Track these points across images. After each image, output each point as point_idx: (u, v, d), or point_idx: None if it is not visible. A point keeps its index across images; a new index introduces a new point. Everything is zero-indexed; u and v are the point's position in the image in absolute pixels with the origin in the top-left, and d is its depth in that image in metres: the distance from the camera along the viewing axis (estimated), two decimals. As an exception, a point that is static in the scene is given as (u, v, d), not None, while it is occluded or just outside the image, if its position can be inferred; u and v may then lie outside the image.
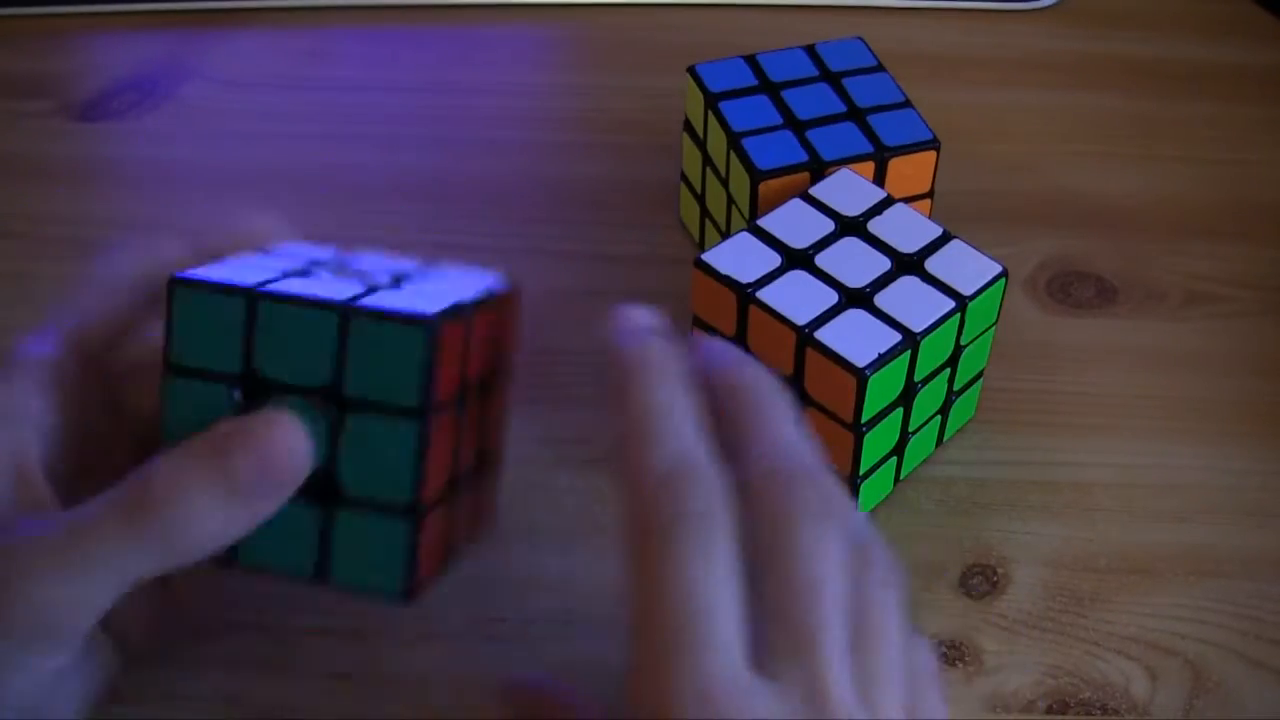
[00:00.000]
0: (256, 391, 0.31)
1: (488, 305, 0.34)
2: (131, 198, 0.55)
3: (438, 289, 0.33)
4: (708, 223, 0.50)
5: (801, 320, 0.40)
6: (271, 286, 0.32)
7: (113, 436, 0.35)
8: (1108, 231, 0.54)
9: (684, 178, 0.52)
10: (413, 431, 0.31)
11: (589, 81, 0.61)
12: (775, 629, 0.28)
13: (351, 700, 0.38)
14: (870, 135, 0.46)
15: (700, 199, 0.51)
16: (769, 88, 0.48)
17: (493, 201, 0.54)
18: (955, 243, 0.42)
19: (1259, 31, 0.64)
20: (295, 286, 0.32)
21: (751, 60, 0.49)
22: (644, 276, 0.51)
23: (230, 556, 0.32)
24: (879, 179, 0.46)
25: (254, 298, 0.31)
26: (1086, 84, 0.61)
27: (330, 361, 0.31)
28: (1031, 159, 0.57)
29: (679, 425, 0.30)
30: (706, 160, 0.49)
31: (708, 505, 0.29)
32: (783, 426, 0.31)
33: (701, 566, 0.28)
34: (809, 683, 0.28)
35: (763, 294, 0.40)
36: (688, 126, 0.50)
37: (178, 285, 0.32)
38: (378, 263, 0.36)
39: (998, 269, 0.42)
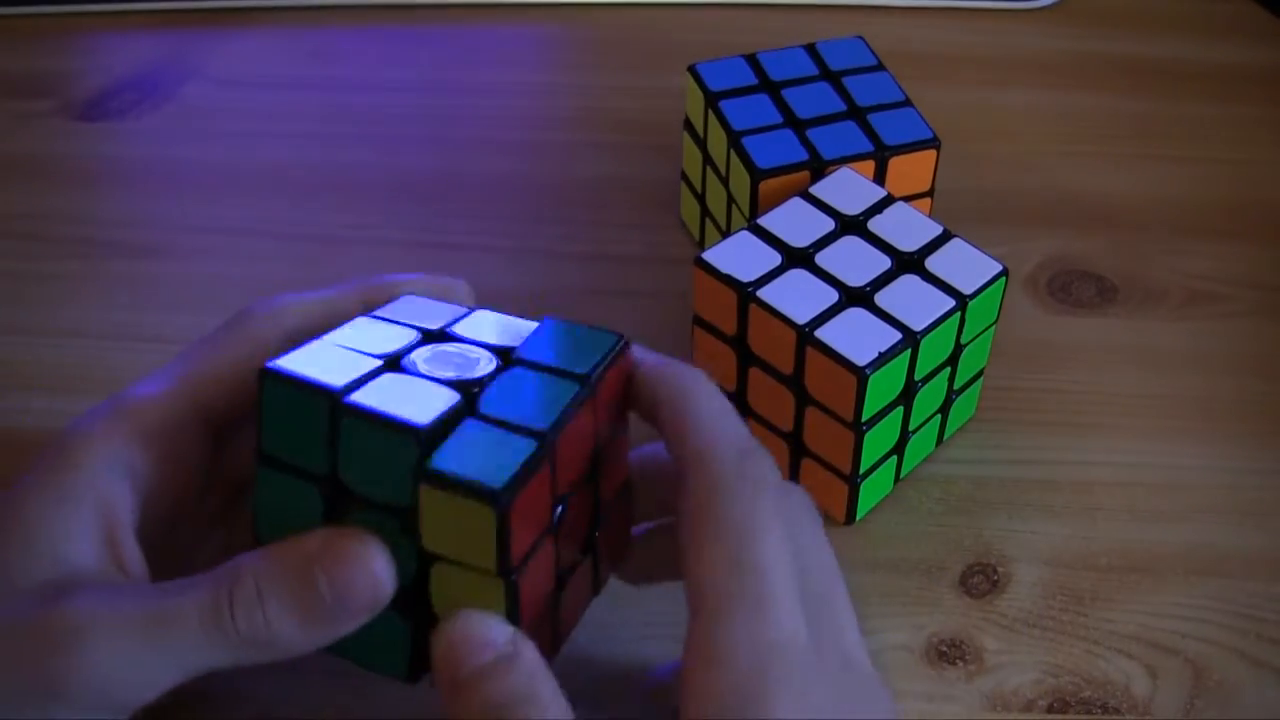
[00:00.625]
0: (341, 495, 0.31)
1: (595, 386, 0.32)
2: (131, 198, 0.55)
3: (535, 386, 0.31)
4: (708, 222, 0.50)
5: (802, 319, 0.40)
6: (359, 394, 0.30)
7: (209, 493, 0.35)
8: (1108, 231, 0.54)
9: (684, 177, 0.52)
10: (501, 586, 0.30)
11: (589, 81, 0.61)
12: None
13: (352, 700, 0.38)
14: (870, 134, 0.46)
15: (700, 198, 0.51)
16: (769, 87, 0.48)
17: (493, 201, 0.54)
18: (955, 241, 0.42)
19: (1259, 31, 0.64)
20: (385, 389, 0.30)
21: (752, 59, 0.49)
22: (644, 276, 0.51)
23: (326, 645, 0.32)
24: (879, 178, 0.46)
25: (337, 406, 0.30)
26: (1086, 84, 0.61)
27: (412, 485, 0.29)
28: (1031, 159, 0.57)
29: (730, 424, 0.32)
30: (707, 159, 0.49)
31: (779, 478, 0.32)
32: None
33: (779, 530, 0.30)
34: (836, 639, 0.31)
35: (763, 293, 0.40)
36: (688, 126, 0.50)
37: (267, 376, 0.31)
38: (483, 326, 0.34)
39: (998, 268, 0.42)
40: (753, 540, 0.30)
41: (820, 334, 0.39)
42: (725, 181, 0.48)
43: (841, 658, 0.31)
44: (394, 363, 0.32)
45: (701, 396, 0.32)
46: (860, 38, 0.50)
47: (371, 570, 0.30)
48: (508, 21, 0.64)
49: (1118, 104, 0.60)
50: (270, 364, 0.31)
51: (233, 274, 0.51)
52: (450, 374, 0.31)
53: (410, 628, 0.31)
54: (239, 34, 0.63)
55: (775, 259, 0.42)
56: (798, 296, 0.40)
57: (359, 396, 0.30)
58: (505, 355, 0.32)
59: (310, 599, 0.30)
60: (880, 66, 0.49)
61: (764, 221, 0.43)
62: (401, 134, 0.58)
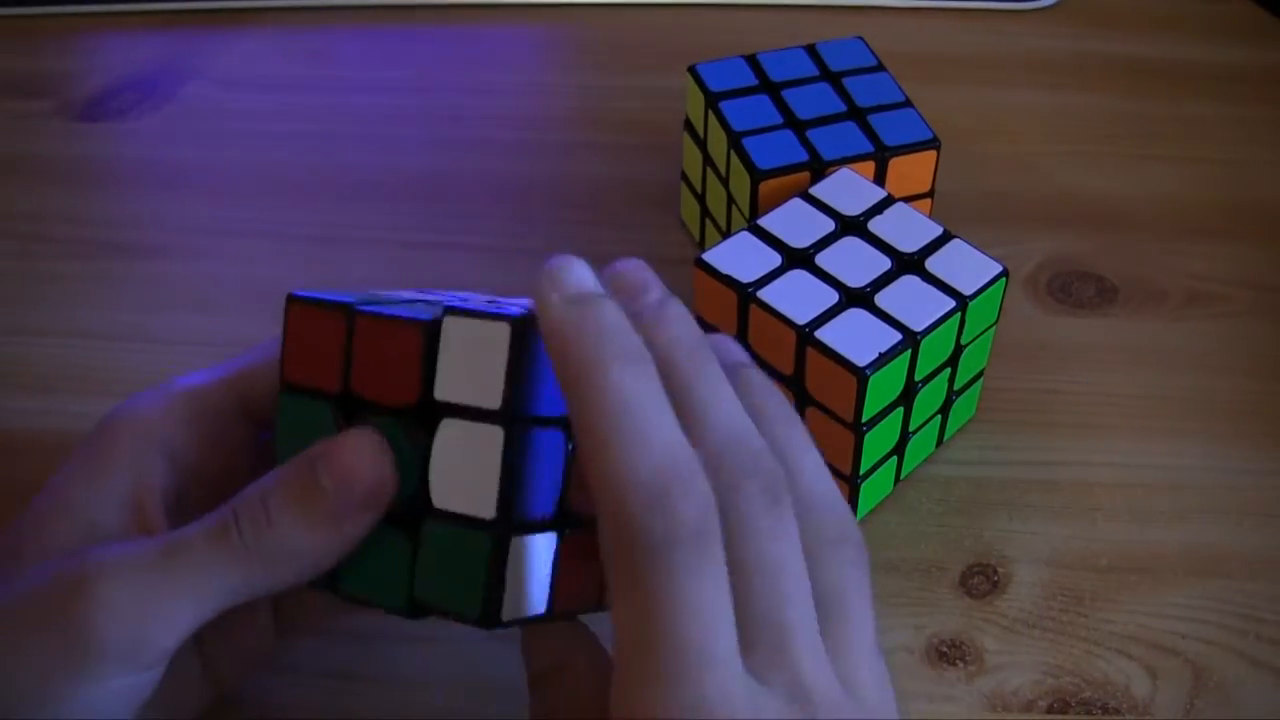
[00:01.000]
0: (356, 410, 0.31)
1: None
2: (131, 198, 0.55)
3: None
4: (708, 222, 0.50)
5: (802, 320, 0.40)
6: (375, 305, 0.31)
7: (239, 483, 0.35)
8: (1108, 231, 0.54)
9: (684, 177, 0.52)
10: (500, 436, 0.29)
11: (589, 81, 0.61)
12: (751, 631, 0.27)
13: (351, 700, 0.38)
14: (870, 135, 0.46)
15: (700, 199, 0.51)
16: (769, 87, 0.48)
17: (492, 202, 0.54)
18: (955, 242, 0.42)
19: (1259, 31, 0.64)
20: (395, 307, 0.31)
21: (752, 60, 0.49)
22: (644, 276, 0.51)
23: (333, 583, 0.32)
24: (879, 178, 0.46)
25: (352, 313, 0.31)
26: (1086, 84, 0.61)
27: (418, 376, 0.30)
28: (1031, 159, 0.57)
29: (657, 421, 0.27)
30: (707, 160, 0.49)
31: (702, 521, 0.26)
32: (722, 402, 0.29)
33: (698, 586, 0.26)
34: (793, 683, 0.27)
35: (763, 293, 0.40)
36: (688, 126, 0.50)
37: (292, 301, 0.32)
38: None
39: (998, 268, 0.42)
40: (660, 603, 0.26)
41: (820, 335, 0.39)
42: (725, 182, 0.48)
43: (803, 703, 0.27)
44: (412, 302, 0.32)
45: (610, 419, 0.27)
46: (860, 38, 0.50)
47: (370, 456, 0.30)
48: (508, 21, 0.64)
49: (1117, 104, 0.60)
50: (296, 291, 0.32)
51: (233, 274, 0.51)
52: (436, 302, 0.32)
53: (412, 550, 0.31)
54: (239, 34, 0.63)
55: (775, 260, 0.42)
56: (798, 297, 0.40)
57: (371, 306, 0.31)
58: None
59: (313, 495, 0.30)
60: (880, 67, 0.49)
61: (764, 222, 0.43)
62: (401, 134, 0.58)
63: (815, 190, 0.44)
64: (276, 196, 0.55)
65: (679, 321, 0.29)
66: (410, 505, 0.31)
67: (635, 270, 0.30)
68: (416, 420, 0.30)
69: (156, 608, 0.30)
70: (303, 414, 0.32)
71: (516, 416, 0.29)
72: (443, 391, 0.30)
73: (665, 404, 0.27)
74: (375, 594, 0.31)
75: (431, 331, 0.30)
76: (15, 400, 0.46)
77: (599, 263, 0.52)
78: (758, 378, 0.31)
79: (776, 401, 0.31)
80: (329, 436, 0.31)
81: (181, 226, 0.53)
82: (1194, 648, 0.40)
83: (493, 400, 0.29)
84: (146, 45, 0.62)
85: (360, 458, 0.30)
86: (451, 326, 0.30)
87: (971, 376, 0.44)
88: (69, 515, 0.32)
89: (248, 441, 0.35)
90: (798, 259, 0.42)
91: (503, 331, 0.29)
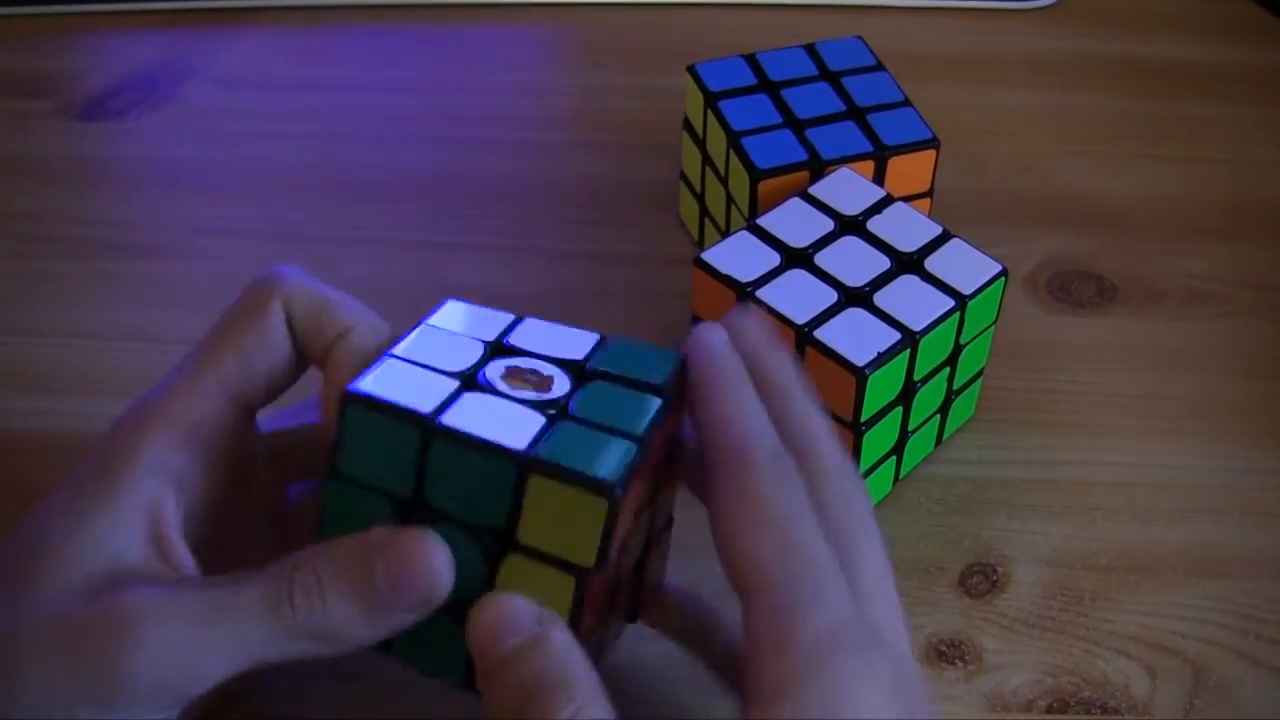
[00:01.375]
0: (419, 511, 0.31)
1: (670, 399, 0.32)
2: (131, 198, 0.55)
3: (617, 399, 0.32)
4: (707, 222, 0.50)
5: (801, 319, 0.40)
6: (448, 415, 0.30)
7: (251, 493, 0.35)
8: (1108, 231, 0.54)
9: (684, 177, 0.52)
10: (572, 585, 0.30)
11: (589, 81, 0.61)
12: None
13: (351, 700, 0.38)
14: (870, 134, 0.46)
15: (700, 198, 0.51)
16: (768, 87, 0.48)
17: (493, 201, 0.54)
18: (955, 241, 0.42)
19: (1259, 31, 0.64)
20: (472, 412, 0.30)
21: (751, 59, 0.49)
22: (644, 276, 0.51)
23: (386, 647, 0.32)
24: (879, 178, 0.46)
25: (429, 431, 0.30)
26: (1086, 84, 0.61)
27: (505, 507, 0.30)
28: (1031, 159, 0.57)
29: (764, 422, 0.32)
30: (706, 159, 0.49)
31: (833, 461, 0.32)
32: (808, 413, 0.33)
33: (814, 526, 0.30)
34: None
35: (762, 293, 0.40)
36: (687, 126, 0.50)
37: (351, 400, 0.30)
38: (546, 339, 0.33)
39: (997, 268, 0.42)
40: (797, 525, 0.30)
41: (819, 334, 0.39)
42: (724, 181, 0.48)
43: (891, 644, 0.31)
44: (471, 380, 0.32)
45: (739, 390, 0.32)
46: (860, 38, 0.50)
47: (429, 563, 0.30)
48: (508, 21, 0.64)
49: (1117, 104, 0.60)
50: (353, 388, 0.30)
51: (233, 274, 0.50)
52: (530, 393, 0.31)
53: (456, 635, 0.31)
54: (239, 34, 0.63)
55: (774, 259, 0.42)
56: (797, 296, 0.40)
57: (449, 419, 0.30)
58: (573, 368, 0.33)
59: (367, 586, 0.30)
60: (880, 66, 0.49)
61: (763, 221, 0.43)
62: (401, 134, 0.58)
63: (814, 190, 0.44)
64: (276, 196, 0.55)
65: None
66: (466, 604, 0.31)
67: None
68: (495, 539, 0.30)
69: (194, 659, 0.30)
70: (357, 504, 0.31)
71: (598, 570, 0.30)
72: (526, 536, 0.30)
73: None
74: (429, 663, 0.32)
75: (523, 468, 0.29)
76: (14, 400, 0.46)
77: (600, 262, 0.51)
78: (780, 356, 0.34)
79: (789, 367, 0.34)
80: (384, 527, 0.31)
81: (181, 226, 0.53)
82: (1194, 647, 0.40)
83: (579, 558, 0.30)
84: (146, 45, 0.62)
85: (420, 562, 0.30)
86: (542, 485, 0.29)
87: (971, 376, 0.44)
88: (86, 543, 0.32)
89: (247, 439, 0.35)
90: (797, 258, 0.42)
91: (600, 506, 0.29)
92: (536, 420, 0.31)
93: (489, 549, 0.31)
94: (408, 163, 0.56)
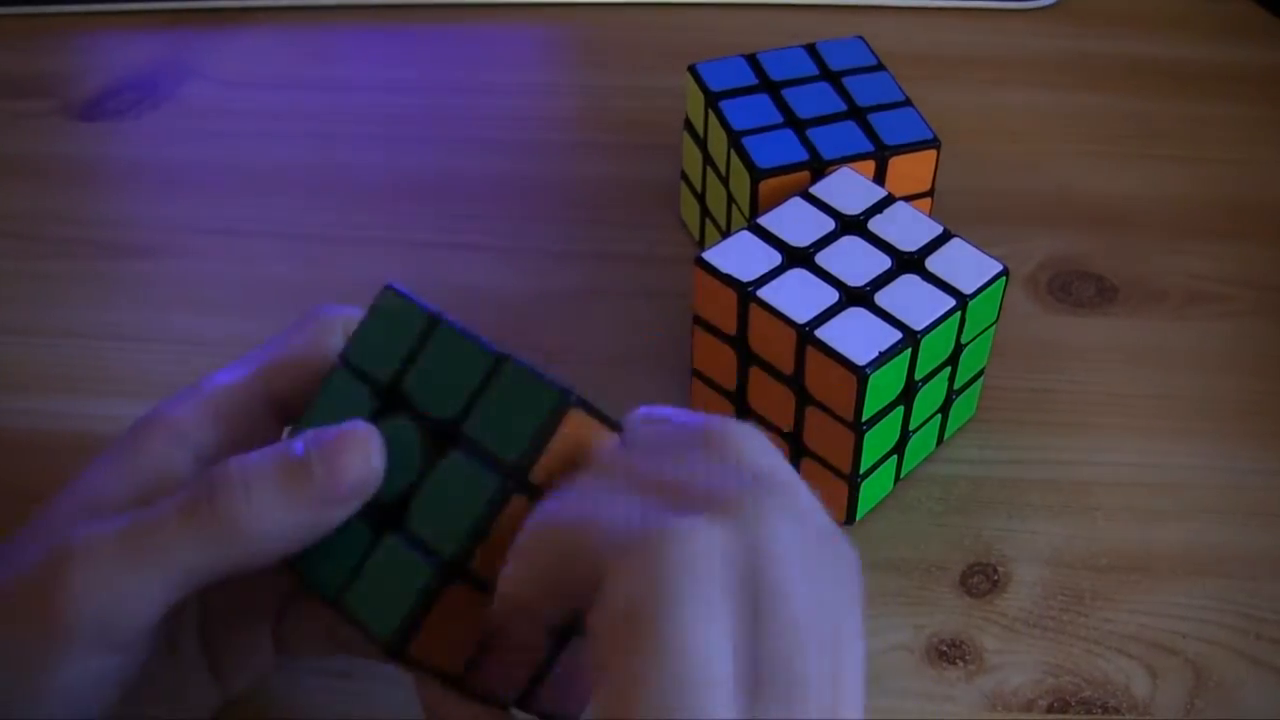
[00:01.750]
0: (394, 405, 0.32)
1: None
2: (131, 198, 0.55)
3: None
4: (708, 222, 0.50)
5: (802, 319, 0.40)
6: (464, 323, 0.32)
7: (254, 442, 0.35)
8: (1108, 231, 0.54)
9: (684, 177, 0.52)
10: (493, 485, 0.30)
11: (589, 81, 0.61)
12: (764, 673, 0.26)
13: (352, 700, 0.38)
14: (870, 134, 0.46)
15: (700, 198, 0.50)
16: (769, 86, 0.48)
17: (493, 201, 0.54)
18: (956, 241, 0.42)
19: (1259, 31, 0.64)
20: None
21: (752, 59, 0.49)
22: (644, 276, 0.51)
23: (292, 564, 0.32)
24: (879, 178, 0.46)
25: (436, 320, 0.32)
26: (1086, 84, 0.61)
27: (464, 398, 0.31)
28: (1031, 159, 0.57)
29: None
30: (707, 159, 0.49)
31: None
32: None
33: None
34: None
35: (763, 292, 0.40)
36: (688, 125, 0.50)
37: (388, 290, 0.33)
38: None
39: (998, 268, 0.42)
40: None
41: (820, 334, 0.39)
42: (725, 181, 0.48)
43: None
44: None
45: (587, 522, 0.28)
46: (860, 38, 0.50)
47: (360, 450, 0.30)
48: (508, 21, 0.64)
49: (1118, 104, 0.60)
50: (393, 283, 0.33)
51: (233, 274, 0.51)
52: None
53: (365, 551, 0.31)
54: (239, 34, 0.63)
55: (775, 259, 0.42)
56: (798, 296, 0.40)
57: (454, 322, 0.32)
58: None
59: (300, 474, 0.30)
60: (880, 66, 0.49)
61: (764, 221, 0.43)
62: (402, 134, 0.58)
63: (815, 189, 0.44)
64: (276, 196, 0.55)
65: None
66: (383, 508, 0.31)
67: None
68: (439, 437, 0.31)
69: (123, 588, 0.29)
70: (346, 394, 0.32)
71: (518, 479, 0.30)
72: (472, 427, 0.31)
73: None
74: (314, 580, 0.31)
75: (494, 364, 0.31)
76: (13, 400, 0.46)
77: (600, 261, 0.51)
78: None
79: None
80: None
81: (181, 226, 0.53)
82: (1194, 647, 0.40)
83: (509, 454, 0.30)
84: (146, 45, 0.62)
85: (352, 452, 0.30)
86: (510, 372, 0.31)
87: (971, 376, 0.44)
88: (73, 495, 0.32)
89: (275, 437, 0.34)
90: (798, 258, 0.42)
91: (550, 400, 0.30)
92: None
93: (432, 446, 0.31)
94: (408, 163, 0.56)
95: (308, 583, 0.32)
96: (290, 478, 0.30)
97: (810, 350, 0.39)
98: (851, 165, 0.45)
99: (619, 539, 0.27)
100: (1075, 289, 0.51)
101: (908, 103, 0.47)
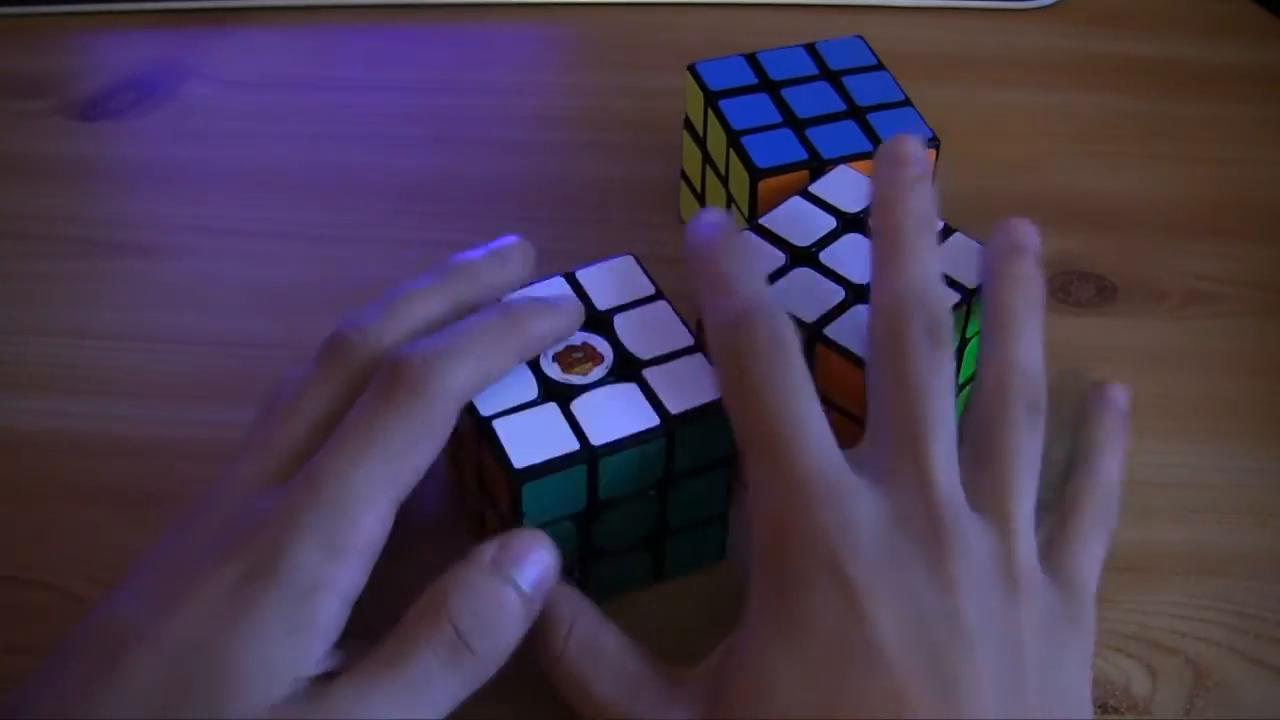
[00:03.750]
0: (595, 514, 0.37)
1: None
2: (131, 198, 0.55)
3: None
4: (708, 222, 0.50)
5: (809, 317, 0.40)
6: (590, 433, 0.36)
7: None
8: (1108, 231, 0.54)
9: (684, 176, 0.52)
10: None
11: (589, 81, 0.61)
12: (882, 429, 0.34)
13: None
14: (870, 134, 0.46)
15: (700, 197, 0.51)
16: (769, 86, 0.48)
17: (493, 201, 0.54)
18: (957, 236, 0.42)
19: (1259, 31, 0.64)
20: (590, 412, 0.36)
21: (751, 59, 0.49)
22: (644, 276, 0.51)
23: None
24: (879, 178, 0.46)
25: (593, 454, 0.35)
26: (1086, 84, 0.61)
27: (661, 461, 0.37)
28: (1031, 159, 0.57)
29: (746, 278, 0.36)
30: (706, 158, 0.49)
31: (777, 333, 0.34)
32: (910, 264, 0.36)
33: (782, 382, 0.33)
34: (915, 477, 0.33)
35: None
36: (688, 125, 0.50)
37: (524, 479, 0.35)
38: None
39: (999, 266, 0.42)
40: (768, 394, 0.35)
41: (829, 331, 0.39)
42: (725, 181, 0.48)
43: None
44: (550, 386, 0.37)
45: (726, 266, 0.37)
46: (860, 37, 0.50)
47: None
48: (507, 21, 0.64)
49: (1118, 104, 0.60)
50: (519, 467, 0.35)
51: (233, 274, 0.51)
52: (581, 376, 0.38)
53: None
54: (239, 34, 0.63)
55: (780, 259, 0.42)
56: (804, 295, 0.40)
57: (594, 437, 0.36)
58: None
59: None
60: (880, 66, 0.49)
61: (765, 221, 0.43)
62: (401, 134, 0.58)
63: (814, 188, 0.44)
64: (276, 196, 0.55)
65: (920, 199, 0.38)
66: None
67: (910, 144, 0.39)
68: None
69: None
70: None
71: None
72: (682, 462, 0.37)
73: (757, 270, 0.38)
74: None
75: (669, 430, 0.36)
76: (13, 400, 0.46)
77: (598, 260, 0.51)
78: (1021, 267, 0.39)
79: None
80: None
81: (181, 226, 0.53)
82: (1194, 647, 0.40)
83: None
84: (146, 45, 0.62)
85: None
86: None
87: (974, 373, 0.44)
88: (275, 670, 0.31)
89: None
90: (801, 257, 0.42)
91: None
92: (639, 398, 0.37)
93: (653, 500, 0.37)
94: (407, 162, 0.56)
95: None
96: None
97: (820, 348, 0.39)
98: (851, 165, 0.45)
99: None
100: (1075, 289, 0.51)
101: (907, 102, 0.47)
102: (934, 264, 0.37)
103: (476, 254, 0.39)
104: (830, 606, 0.31)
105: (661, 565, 0.40)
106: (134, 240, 0.52)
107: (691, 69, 0.48)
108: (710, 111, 0.47)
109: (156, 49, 0.62)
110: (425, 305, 0.37)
